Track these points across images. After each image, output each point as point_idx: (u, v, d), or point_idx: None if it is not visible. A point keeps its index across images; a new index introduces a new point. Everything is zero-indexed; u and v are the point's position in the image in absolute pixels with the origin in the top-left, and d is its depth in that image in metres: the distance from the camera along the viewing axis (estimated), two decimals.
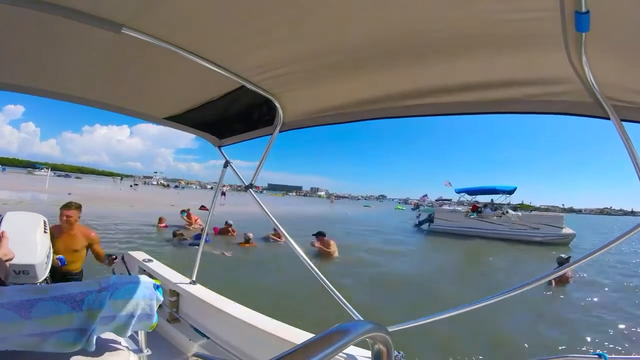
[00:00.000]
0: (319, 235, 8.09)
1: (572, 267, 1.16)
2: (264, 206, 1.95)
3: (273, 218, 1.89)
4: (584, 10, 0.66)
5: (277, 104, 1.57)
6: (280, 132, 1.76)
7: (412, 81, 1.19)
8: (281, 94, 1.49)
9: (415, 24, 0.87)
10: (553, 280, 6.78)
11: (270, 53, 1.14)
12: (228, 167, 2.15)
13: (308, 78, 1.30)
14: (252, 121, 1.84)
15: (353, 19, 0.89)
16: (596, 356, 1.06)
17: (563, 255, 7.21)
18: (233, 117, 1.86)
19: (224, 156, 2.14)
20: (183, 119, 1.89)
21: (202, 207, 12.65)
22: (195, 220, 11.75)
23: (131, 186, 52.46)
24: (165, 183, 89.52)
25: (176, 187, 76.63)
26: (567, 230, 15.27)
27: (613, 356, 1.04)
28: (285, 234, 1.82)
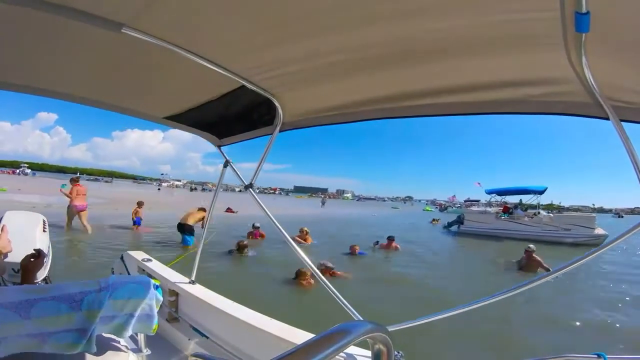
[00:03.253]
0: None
1: (572, 266, 1.17)
2: (263, 206, 1.95)
3: (273, 218, 1.89)
4: (584, 10, 0.66)
5: (277, 104, 1.57)
6: (280, 131, 1.76)
7: (412, 81, 1.19)
8: (281, 93, 1.49)
9: (415, 24, 0.87)
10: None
11: (270, 53, 1.14)
12: (228, 167, 2.15)
13: (308, 78, 1.30)
14: (252, 121, 1.84)
15: (353, 19, 0.89)
16: (595, 356, 1.06)
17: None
18: (233, 116, 1.86)
19: (224, 156, 2.14)
20: (183, 119, 1.89)
21: (228, 210, 12.17)
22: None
23: (159, 189, 56.92)
24: (193, 186, 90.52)
25: (203, 190, 78.56)
26: (599, 231, 14.67)
27: (613, 356, 1.04)
28: (286, 234, 1.82)
